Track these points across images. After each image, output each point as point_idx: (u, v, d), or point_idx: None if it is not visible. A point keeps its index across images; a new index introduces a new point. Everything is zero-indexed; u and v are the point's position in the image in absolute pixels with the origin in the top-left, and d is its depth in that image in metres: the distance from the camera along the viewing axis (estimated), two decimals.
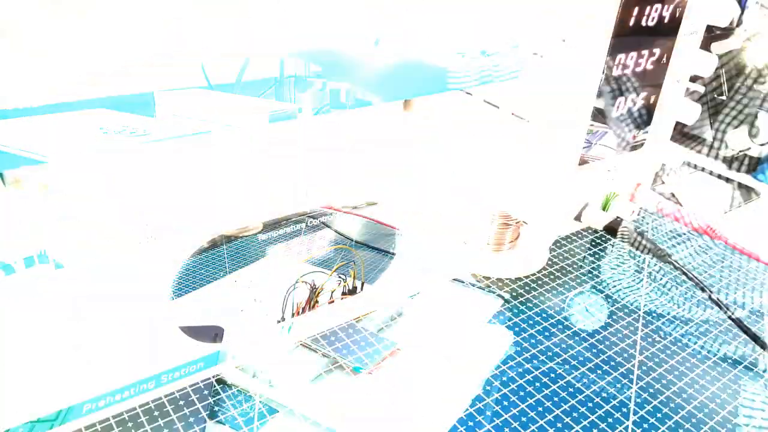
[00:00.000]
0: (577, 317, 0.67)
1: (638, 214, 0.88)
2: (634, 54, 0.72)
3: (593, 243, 0.81)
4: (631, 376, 0.60)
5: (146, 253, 0.43)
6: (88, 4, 0.36)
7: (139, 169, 0.44)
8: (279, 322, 0.53)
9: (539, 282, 0.72)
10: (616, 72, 0.72)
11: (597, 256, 0.79)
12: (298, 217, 0.51)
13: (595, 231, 0.84)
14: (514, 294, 0.70)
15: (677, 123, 0.82)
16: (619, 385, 0.58)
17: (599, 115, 0.73)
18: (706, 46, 0.87)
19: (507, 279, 0.72)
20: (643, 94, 0.76)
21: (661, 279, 0.75)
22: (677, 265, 0.70)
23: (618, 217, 0.78)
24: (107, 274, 0.42)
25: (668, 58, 0.75)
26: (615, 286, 0.73)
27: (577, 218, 0.77)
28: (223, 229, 0.45)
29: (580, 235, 0.83)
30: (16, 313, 0.40)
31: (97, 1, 0.37)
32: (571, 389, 0.58)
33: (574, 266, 0.76)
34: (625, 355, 0.62)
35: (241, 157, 0.47)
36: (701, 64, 0.75)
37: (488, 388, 0.57)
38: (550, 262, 0.76)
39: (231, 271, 0.50)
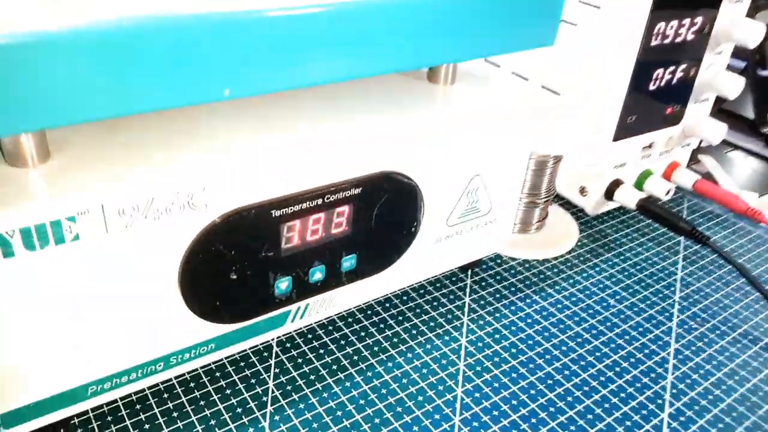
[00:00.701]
0: (609, 302, 0.64)
1: (674, 194, 0.84)
2: (674, 23, 0.68)
3: (625, 223, 0.77)
4: (666, 366, 0.56)
5: (152, 233, 0.40)
6: (88, 4, 0.35)
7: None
8: None
9: (568, 264, 0.69)
10: (654, 42, 0.67)
11: (629, 237, 0.75)
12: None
13: (628, 210, 0.80)
14: (542, 277, 0.66)
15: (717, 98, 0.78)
16: (653, 375, 0.55)
17: (635, 88, 0.68)
18: (751, 15, 0.82)
19: (534, 261, 0.69)
20: (683, 66, 0.72)
21: (698, 262, 0.71)
22: (716, 248, 0.66)
23: (652, 196, 0.74)
24: (109, 253, 0.39)
25: (711, 28, 0.70)
26: (649, 269, 0.69)
27: (609, 197, 0.73)
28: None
29: (611, 215, 0.79)
30: (18, 293, 0.38)
31: (97, 1, 0.36)
32: (602, 378, 0.54)
33: (605, 248, 0.72)
34: (660, 343, 0.59)
35: (250, 129, 0.45)
36: (747, 33, 0.70)
37: (514, 375, 0.54)
38: (579, 244, 0.72)
39: None
